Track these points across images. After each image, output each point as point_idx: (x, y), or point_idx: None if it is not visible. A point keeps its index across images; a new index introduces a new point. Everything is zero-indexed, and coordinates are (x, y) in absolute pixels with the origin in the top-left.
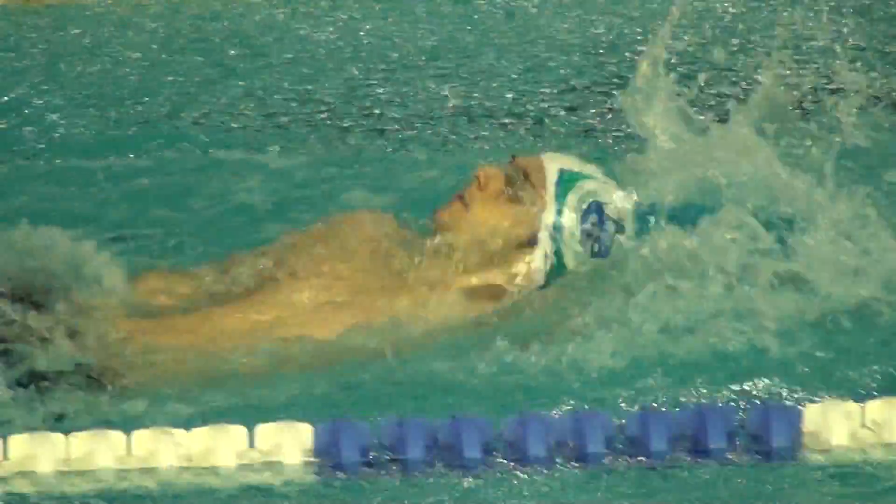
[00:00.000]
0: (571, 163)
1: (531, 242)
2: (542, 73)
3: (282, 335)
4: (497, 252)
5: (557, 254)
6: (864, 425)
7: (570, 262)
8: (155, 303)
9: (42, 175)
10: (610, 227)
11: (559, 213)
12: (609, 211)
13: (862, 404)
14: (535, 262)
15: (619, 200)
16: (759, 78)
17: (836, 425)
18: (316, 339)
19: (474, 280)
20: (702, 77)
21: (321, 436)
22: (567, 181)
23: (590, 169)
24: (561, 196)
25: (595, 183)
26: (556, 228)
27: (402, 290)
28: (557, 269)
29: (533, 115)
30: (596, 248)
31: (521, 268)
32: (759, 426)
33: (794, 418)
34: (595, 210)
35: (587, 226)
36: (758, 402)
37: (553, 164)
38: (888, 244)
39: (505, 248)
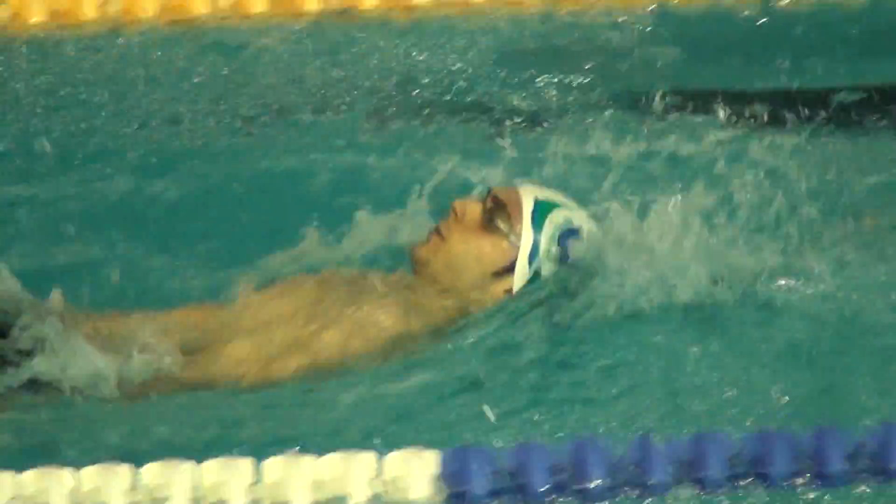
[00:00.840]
0: (546, 193)
1: (508, 270)
2: None
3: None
4: (474, 282)
5: (536, 279)
6: None
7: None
8: None
9: None
10: (587, 249)
11: (536, 241)
12: (582, 234)
13: None
14: (514, 286)
15: (590, 224)
16: None
17: None
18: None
19: (450, 309)
20: None
21: None
22: (542, 211)
23: (562, 198)
24: (537, 225)
25: (567, 211)
26: (533, 256)
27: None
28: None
29: None
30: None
31: (497, 294)
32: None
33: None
34: (569, 235)
35: (563, 250)
36: None
37: (529, 195)
38: None
39: (482, 276)
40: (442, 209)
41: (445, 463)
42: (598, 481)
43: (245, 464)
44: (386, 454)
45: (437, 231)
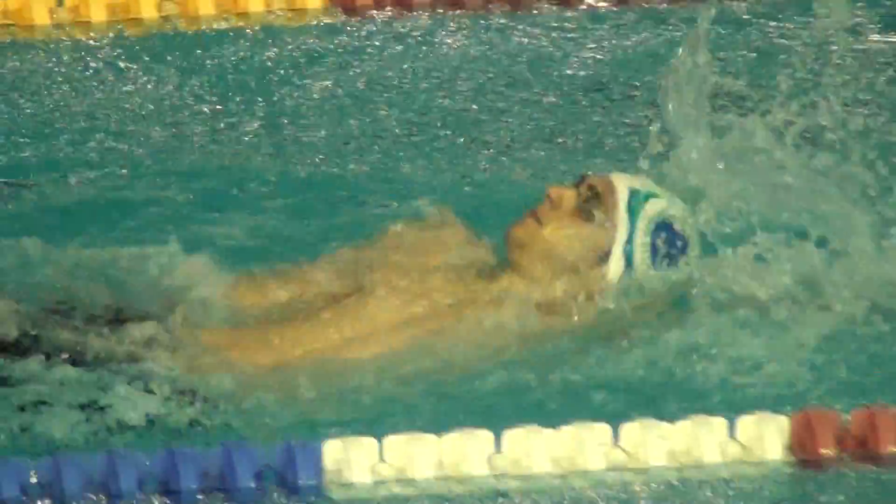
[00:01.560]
0: (640, 182)
1: (603, 260)
2: None
3: (355, 353)
4: (569, 268)
5: (629, 269)
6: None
7: (641, 276)
8: (245, 309)
9: None
10: (679, 243)
11: (632, 231)
12: (677, 228)
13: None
14: (609, 276)
15: (686, 217)
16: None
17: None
18: (383, 355)
19: (547, 295)
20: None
21: None
22: (637, 200)
23: (655, 186)
24: (633, 214)
25: (663, 201)
26: (629, 246)
27: (471, 305)
28: (629, 283)
29: None
30: (666, 263)
31: (592, 284)
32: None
33: (316, 455)
34: (664, 228)
35: (658, 243)
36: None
37: (623, 184)
38: None
39: (577, 264)
40: None
41: None
42: None
43: None
44: None
45: (534, 214)
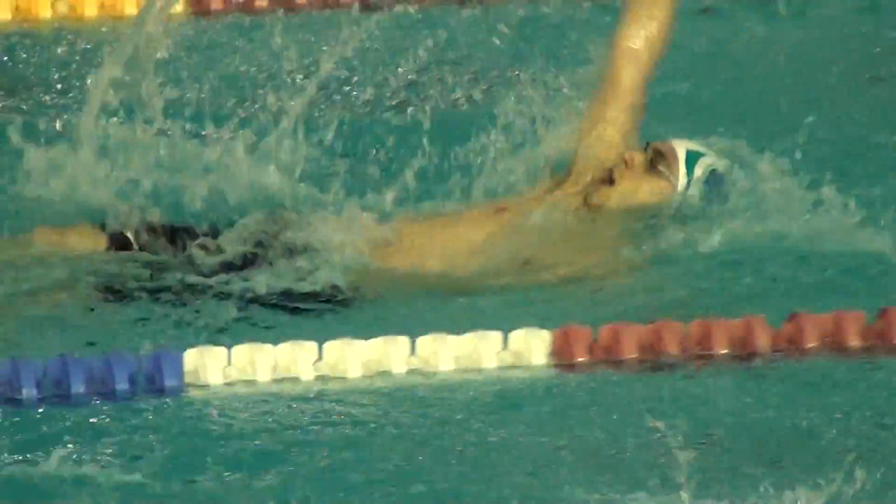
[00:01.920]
0: (693, 144)
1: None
2: None
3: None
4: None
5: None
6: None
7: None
8: None
9: None
10: (723, 188)
11: (689, 182)
12: (722, 177)
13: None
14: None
15: (728, 169)
16: None
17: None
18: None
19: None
20: None
21: None
22: (693, 157)
23: (706, 148)
24: (689, 169)
25: (712, 158)
26: (687, 192)
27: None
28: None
29: None
30: (714, 204)
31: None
32: (152, 369)
33: (178, 361)
34: (713, 178)
35: (711, 189)
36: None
37: (681, 146)
38: None
39: (646, 208)
40: None
41: None
42: None
43: None
44: None
45: (609, 176)
